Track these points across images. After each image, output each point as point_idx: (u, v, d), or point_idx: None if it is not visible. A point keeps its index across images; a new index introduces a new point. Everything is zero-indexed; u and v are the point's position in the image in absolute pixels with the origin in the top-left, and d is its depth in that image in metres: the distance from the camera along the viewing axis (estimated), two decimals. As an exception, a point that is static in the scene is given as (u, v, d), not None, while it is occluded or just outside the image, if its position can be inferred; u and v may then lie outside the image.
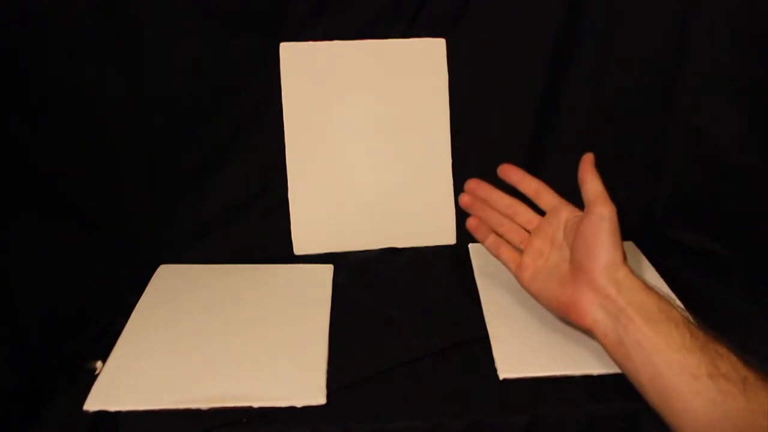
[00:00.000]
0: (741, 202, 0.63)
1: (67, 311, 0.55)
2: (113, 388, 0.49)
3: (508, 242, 0.56)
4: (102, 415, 0.47)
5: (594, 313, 0.47)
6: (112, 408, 0.47)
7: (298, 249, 0.66)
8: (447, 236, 0.67)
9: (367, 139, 0.65)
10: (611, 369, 0.49)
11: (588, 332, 0.48)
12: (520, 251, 0.55)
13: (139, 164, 0.62)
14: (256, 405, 0.47)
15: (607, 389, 0.48)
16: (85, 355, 0.52)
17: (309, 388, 0.49)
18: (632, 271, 0.47)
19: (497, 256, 0.56)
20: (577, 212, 0.52)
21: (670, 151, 0.66)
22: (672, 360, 0.42)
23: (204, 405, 0.47)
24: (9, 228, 0.52)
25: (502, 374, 0.50)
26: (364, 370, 0.51)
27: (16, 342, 0.49)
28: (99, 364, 0.51)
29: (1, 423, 0.46)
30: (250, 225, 0.66)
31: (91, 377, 0.50)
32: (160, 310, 0.57)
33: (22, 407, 0.47)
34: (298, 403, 0.47)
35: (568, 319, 0.49)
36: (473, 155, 0.66)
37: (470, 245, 0.66)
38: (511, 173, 0.56)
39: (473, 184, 0.58)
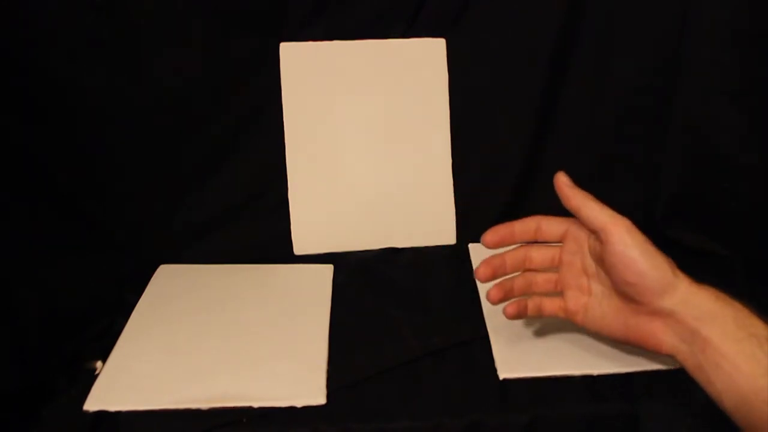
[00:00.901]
0: (741, 202, 0.63)
1: (67, 311, 0.55)
2: (113, 388, 0.49)
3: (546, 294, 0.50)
4: (102, 415, 0.47)
5: (668, 340, 0.42)
6: (112, 408, 0.47)
7: (298, 249, 0.66)
8: (447, 236, 0.67)
9: (367, 139, 0.65)
10: (611, 369, 0.49)
11: (672, 358, 0.44)
12: (560, 295, 0.50)
13: (139, 164, 0.62)
14: (256, 405, 0.47)
15: (607, 389, 0.48)
16: (85, 355, 0.52)
17: (309, 388, 0.49)
18: (694, 282, 0.42)
19: (544, 315, 0.50)
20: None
21: (670, 151, 0.66)
22: (759, 386, 0.37)
23: (204, 405, 0.47)
24: (9, 228, 0.52)
25: (502, 374, 0.50)
26: (364, 370, 0.51)
27: (16, 342, 0.49)
28: (99, 364, 0.51)
29: (1, 423, 0.46)
30: (250, 225, 0.66)
31: (91, 377, 0.50)
32: (160, 310, 0.57)
33: (22, 407, 0.47)
34: (298, 403, 0.47)
35: (646, 350, 0.45)
36: (473, 155, 0.66)
37: (470, 245, 0.66)
38: (497, 234, 0.49)
39: (486, 270, 0.49)
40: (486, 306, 0.57)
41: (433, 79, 0.65)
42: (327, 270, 0.63)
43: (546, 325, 0.54)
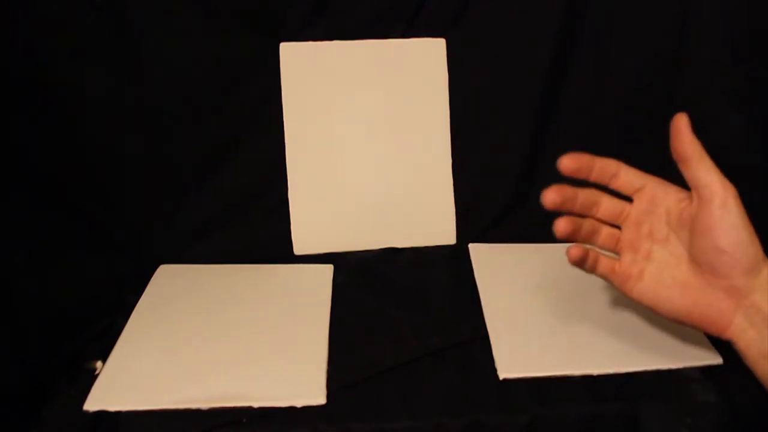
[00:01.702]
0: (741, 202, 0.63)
1: (67, 311, 0.55)
2: (113, 388, 0.49)
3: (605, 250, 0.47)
4: (102, 415, 0.47)
5: (737, 322, 0.40)
6: (112, 408, 0.47)
7: (298, 249, 0.66)
8: (447, 236, 0.67)
9: (367, 139, 0.65)
10: (611, 369, 0.49)
11: (728, 341, 0.42)
12: (618, 255, 0.46)
13: (139, 164, 0.62)
14: (256, 405, 0.47)
15: (607, 389, 0.48)
16: (85, 355, 0.52)
17: (309, 388, 0.49)
18: None
19: (596, 272, 0.47)
20: (681, 194, 0.43)
21: (670, 150, 0.66)
22: None
23: (204, 405, 0.47)
24: (9, 228, 0.52)
25: (502, 374, 0.50)
26: (364, 370, 0.51)
27: (17, 342, 0.49)
28: (99, 364, 0.51)
29: (1, 423, 0.46)
30: (250, 225, 0.66)
31: (91, 377, 0.50)
32: (160, 310, 0.57)
33: (22, 407, 0.47)
34: (298, 403, 0.47)
35: (703, 330, 0.43)
36: (473, 155, 0.66)
37: (470, 245, 0.66)
38: (578, 160, 0.45)
39: (555, 197, 0.45)
40: (486, 306, 0.57)
41: (433, 79, 0.65)
42: (327, 270, 0.63)
43: (546, 325, 0.54)
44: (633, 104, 0.65)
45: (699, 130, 0.63)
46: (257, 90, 0.63)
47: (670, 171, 0.66)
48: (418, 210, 0.66)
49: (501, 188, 0.67)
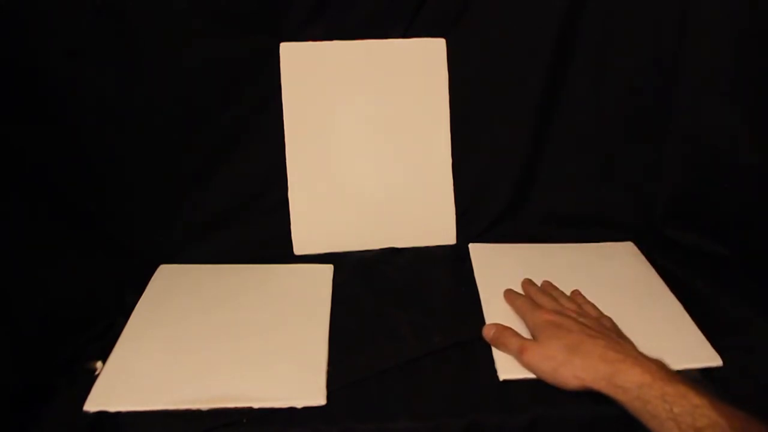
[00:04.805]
0: (741, 202, 0.63)
1: (67, 311, 0.55)
2: (113, 388, 0.49)
3: None
4: (102, 415, 0.47)
5: None
6: (112, 408, 0.47)
7: (298, 249, 0.66)
8: (447, 236, 0.67)
9: (367, 139, 0.65)
10: (611, 369, 0.49)
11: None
12: None
13: (140, 164, 0.62)
14: (256, 405, 0.47)
15: (607, 389, 0.48)
16: (85, 355, 0.52)
17: (309, 389, 0.49)
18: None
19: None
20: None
21: (669, 151, 0.66)
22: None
23: (204, 405, 0.47)
24: (9, 228, 0.52)
25: (502, 375, 0.50)
26: (364, 370, 0.51)
27: (16, 342, 0.49)
28: (99, 364, 0.51)
29: (1, 423, 0.46)
30: (250, 225, 0.66)
31: (91, 377, 0.50)
32: (160, 310, 0.57)
33: (22, 407, 0.47)
34: (299, 404, 0.47)
35: None
36: (473, 155, 0.66)
37: (470, 245, 0.66)
38: None
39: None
40: (486, 306, 0.57)
41: (433, 79, 0.65)
42: (327, 270, 0.63)
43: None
44: (633, 104, 0.65)
45: (699, 130, 0.64)
46: (257, 90, 0.63)
47: (667, 170, 0.67)
48: (418, 210, 0.66)
49: (501, 188, 0.67)
